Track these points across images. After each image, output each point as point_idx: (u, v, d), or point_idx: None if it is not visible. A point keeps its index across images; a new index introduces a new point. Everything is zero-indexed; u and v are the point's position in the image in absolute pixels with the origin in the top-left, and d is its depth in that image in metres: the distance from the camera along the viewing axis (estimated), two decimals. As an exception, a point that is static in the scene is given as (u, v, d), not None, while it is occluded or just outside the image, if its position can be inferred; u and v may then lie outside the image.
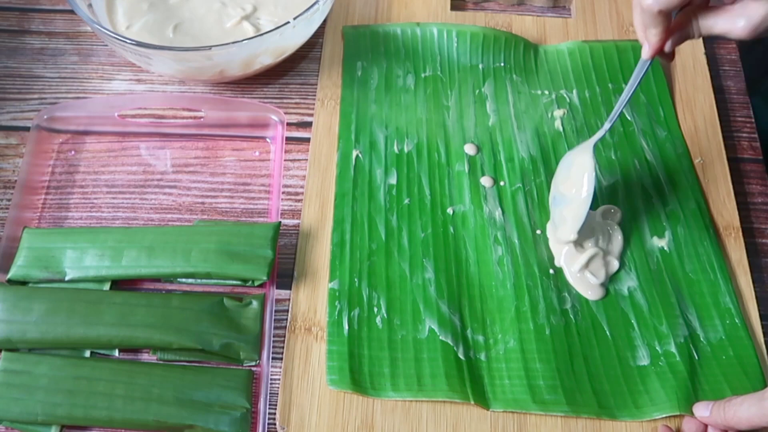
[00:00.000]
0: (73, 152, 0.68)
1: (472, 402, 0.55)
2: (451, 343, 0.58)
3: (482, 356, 0.58)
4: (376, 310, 0.60)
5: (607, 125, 0.59)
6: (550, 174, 0.66)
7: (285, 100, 0.71)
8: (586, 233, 0.62)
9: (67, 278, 0.59)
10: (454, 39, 0.74)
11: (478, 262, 0.62)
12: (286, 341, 0.59)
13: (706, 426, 0.55)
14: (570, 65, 0.73)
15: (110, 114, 0.67)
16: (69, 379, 0.55)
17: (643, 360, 0.58)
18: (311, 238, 0.63)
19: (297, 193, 0.66)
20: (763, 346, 0.59)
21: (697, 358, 0.58)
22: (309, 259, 0.62)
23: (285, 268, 0.62)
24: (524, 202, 0.65)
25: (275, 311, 0.60)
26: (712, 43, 0.75)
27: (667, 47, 0.53)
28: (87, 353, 0.57)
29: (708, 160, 0.68)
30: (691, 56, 0.74)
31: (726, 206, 0.65)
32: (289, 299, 0.61)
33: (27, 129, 0.68)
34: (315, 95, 0.71)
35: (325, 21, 0.75)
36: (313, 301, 0.60)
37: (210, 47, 0.63)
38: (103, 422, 0.54)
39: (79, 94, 0.71)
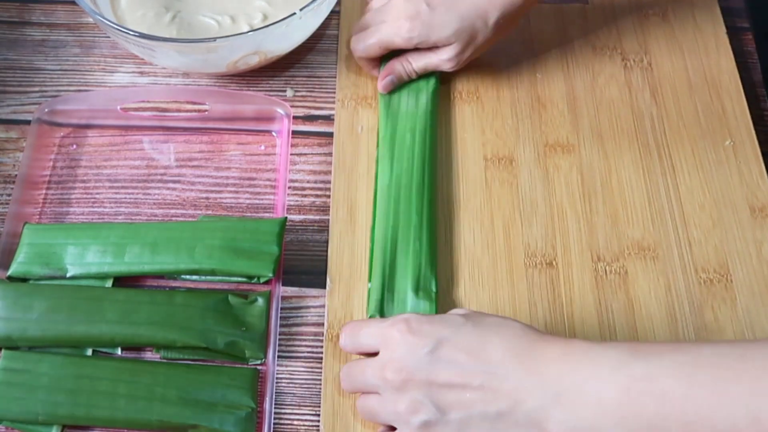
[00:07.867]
0: (74, 146, 0.67)
1: None
2: None
3: None
4: None
5: None
6: None
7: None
8: None
9: (68, 275, 0.58)
10: None
11: None
12: (324, 349, 0.57)
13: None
14: None
15: (113, 107, 0.66)
16: (70, 378, 0.54)
17: None
18: (341, 240, 0.62)
19: (303, 188, 0.65)
20: None
21: None
22: (342, 262, 0.61)
23: (291, 265, 0.61)
24: None
25: (281, 308, 0.59)
26: (727, 32, 0.73)
27: (382, 86, 0.66)
28: (89, 352, 0.56)
29: (738, 140, 0.66)
30: (713, 37, 0.72)
31: (760, 187, 0.64)
32: (295, 296, 0.60)
33: (27, 122, 0.67)
34: (322, 87, 0.70)
35: (339, 16, 0.73)
36: (348, 305, 0.59)
37: (214, 39, 0.62)
38: (105, 422, 0.53)
39: (81, 86, 0.70)
